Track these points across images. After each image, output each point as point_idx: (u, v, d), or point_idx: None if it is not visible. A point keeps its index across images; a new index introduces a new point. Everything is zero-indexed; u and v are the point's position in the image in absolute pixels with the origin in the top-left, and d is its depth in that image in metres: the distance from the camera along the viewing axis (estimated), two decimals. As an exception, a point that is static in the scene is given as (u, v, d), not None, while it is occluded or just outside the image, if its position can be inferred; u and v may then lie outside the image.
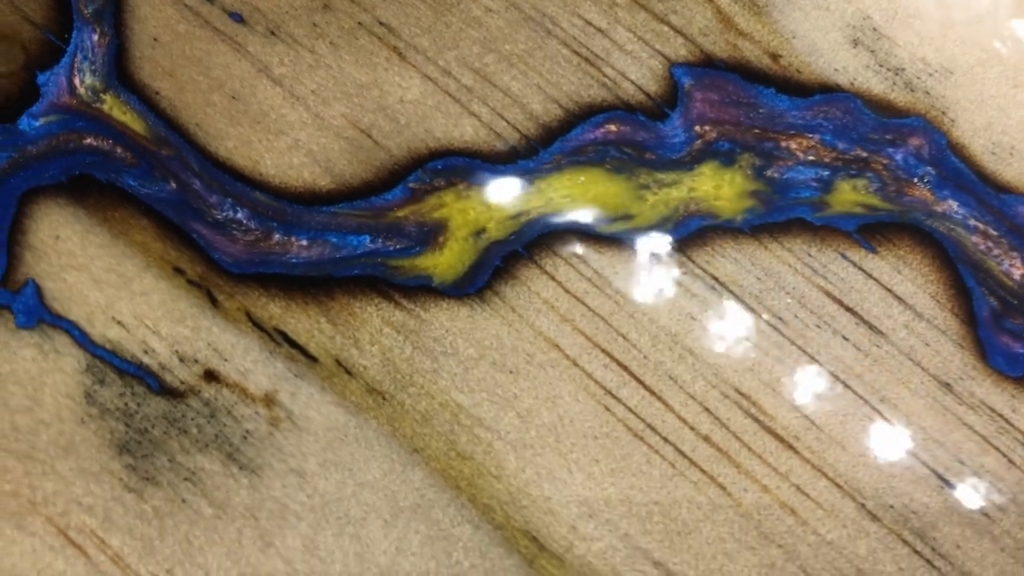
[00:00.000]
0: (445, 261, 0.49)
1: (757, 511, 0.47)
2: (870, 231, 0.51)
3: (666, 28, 0.54)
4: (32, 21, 0.52)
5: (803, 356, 0.49)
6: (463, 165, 0.51)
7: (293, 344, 0.48)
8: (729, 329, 0.49)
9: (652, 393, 0.49)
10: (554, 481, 0.47)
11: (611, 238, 0.50)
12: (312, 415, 0.47)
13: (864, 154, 0.52)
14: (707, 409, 0.48)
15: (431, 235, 0.50)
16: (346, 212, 0.50)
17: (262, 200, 0.50)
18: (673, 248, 0.50)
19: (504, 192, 0.51)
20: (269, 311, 0.48)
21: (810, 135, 0.52)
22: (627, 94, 0.53)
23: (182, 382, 0.47)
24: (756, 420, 0.48)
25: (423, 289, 0.49)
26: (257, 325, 0.48)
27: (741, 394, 0.48)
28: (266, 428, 0.46)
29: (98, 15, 0.52)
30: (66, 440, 0.47)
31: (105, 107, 0.51)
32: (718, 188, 0.51)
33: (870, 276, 0.50)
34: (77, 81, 0.51)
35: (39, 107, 0.51)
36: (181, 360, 0.48)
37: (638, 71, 0.53)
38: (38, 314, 0.48)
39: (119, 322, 0.48)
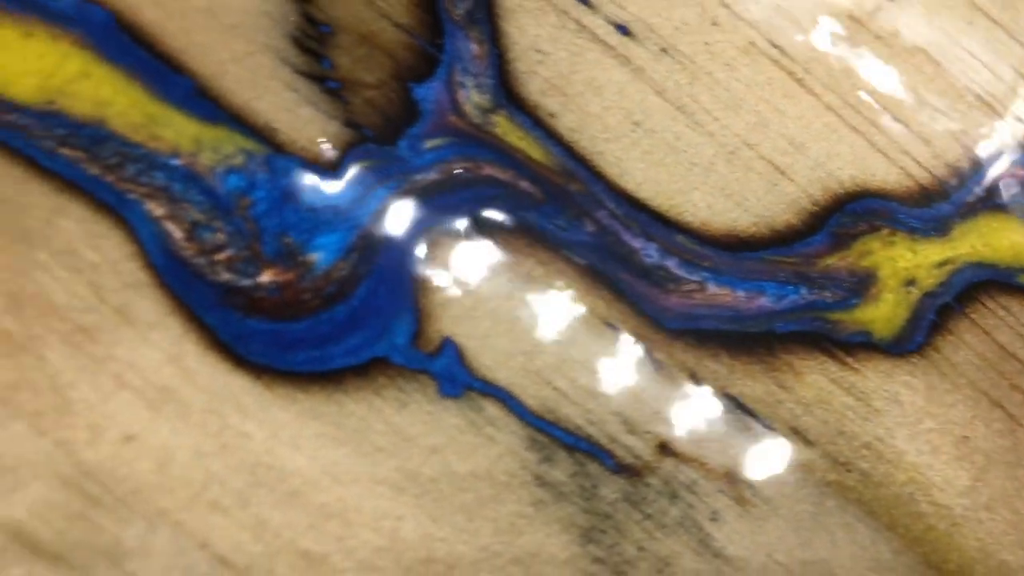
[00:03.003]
0: (882, 315, 0.47)
1: None
2: None
3: (1044, 65, 0.54)
4: (395, 22, 0.46)
5: None
6: (882, 208, 0.49)
7: (744, 410, 0.44)
8: None
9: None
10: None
11: (1032, 289, 0.50)
12: (777, 491, 0.44)
13: None
14: None
15: (863, 285, 0.48)
16: (778, 259, 0.46)
17: (688, 246, 0.46)
18: (1091, 300, 0.50)
19: (927, 239, 0.49)
20: (713, 372, 0.45)
21: None
22: (1022, 133, 0.52)
23: (636, 456, 0.43)
24: None
25: (863, 346, 0.46)
26: (704, 389, 0.44)
27: None
28: (735, 508, 0.43)
29: (470, 18, 0.47)
30: (517, 531, 0.41)
31: (499, 130, 0.45)
32: (1122, 236, 0.52)
33: None
34: (461, 97, 0.46)
35: (421, 127, 0.45)
36: (630, 431, 0.43)
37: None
38: (464, 381, 0.42)
39: (555, 387, 0.43)
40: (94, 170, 0.45)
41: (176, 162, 0.46)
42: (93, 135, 0.45)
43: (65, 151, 0.45)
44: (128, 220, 0.45)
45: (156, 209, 0.45)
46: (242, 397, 0.44)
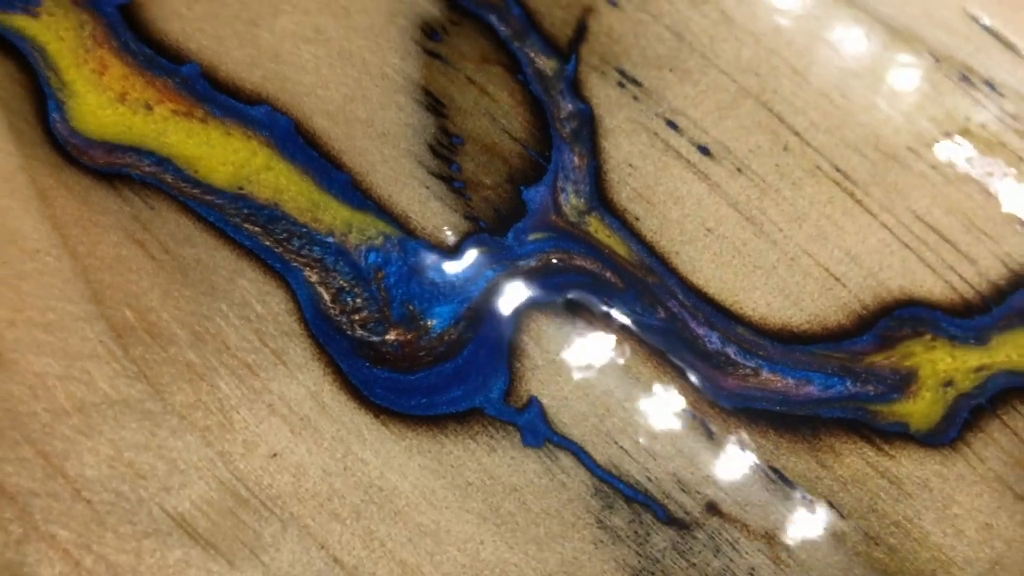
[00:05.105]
0: (919, 410, 0.54)
1: None
2: None
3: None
4: (513, 136, 0.56)
5: None
6: (926, 316, 0.56)
7: (786, 481, 0.51)
8: None
9: (1117, 553, 0.53)
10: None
11: (1064, 399, 0.56)
12: (811, 556, 0.50)
13: None
14: None
15: (904, 383, 0.54)
16: (826, 353, 0.54)
17: (746, 336, 0.54)
18: (1121, 413, 0.56)
19: (966, 346, 0.55)
20: (761, 446, 0.52)
21: None
22: (1064, 260, 0.59)
23: (686, 512, 0.50)
24: None
25: (900, 435, 0.53)
26: (751, 460, 0.52)
27: None
28: (771, 567, 0.50)
29: (575, 135, 0.57)
30: (578, 565, 0.49)
31: (591, 229, 0.55)
32: None
33: None
34: (562, 200, 0.55)
35: (526, 223, 0.54)
36: (683, 490, 0.51)
37: (1071, 238, 0.59)
38: (544, 434, 0.51)
39: (620, 446, 0.52)
40: (268, 242, 0.57)
41: (330, 240, 0.58)
42: (270, 215, 0.57)
43: (247, 226, 0.57)
44: (290, 283, 0.57)
45: (312, 275, 0.57)
46: (364, 430, 0.55)
